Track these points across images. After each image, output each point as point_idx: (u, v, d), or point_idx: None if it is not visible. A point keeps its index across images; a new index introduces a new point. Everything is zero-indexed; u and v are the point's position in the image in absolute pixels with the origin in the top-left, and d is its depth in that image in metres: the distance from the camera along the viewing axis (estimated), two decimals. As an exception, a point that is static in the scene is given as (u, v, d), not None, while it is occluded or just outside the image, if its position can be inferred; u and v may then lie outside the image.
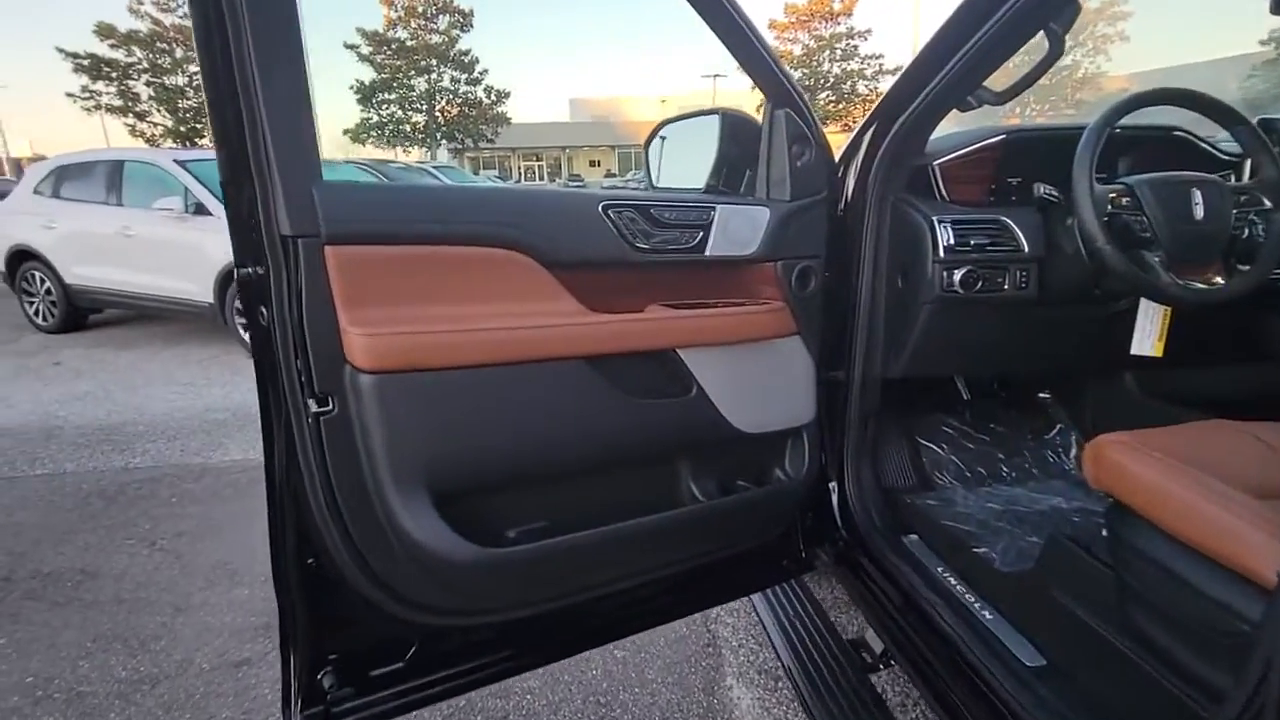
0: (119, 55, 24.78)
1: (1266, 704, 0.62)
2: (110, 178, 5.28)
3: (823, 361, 1.37)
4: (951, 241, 1.29)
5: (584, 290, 1.09)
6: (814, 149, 1.26)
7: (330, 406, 0.96)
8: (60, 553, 2.29)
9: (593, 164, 49.66)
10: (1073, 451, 1.71)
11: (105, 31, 24.50)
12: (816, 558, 1.52)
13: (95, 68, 24.41)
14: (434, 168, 15.62)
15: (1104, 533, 1.31)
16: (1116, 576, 1.01)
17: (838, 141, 1.41)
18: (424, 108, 30.96)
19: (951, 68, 1.17)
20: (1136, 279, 1.16)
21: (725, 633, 1.86)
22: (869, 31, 34.29)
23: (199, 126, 25.64)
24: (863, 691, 1.32)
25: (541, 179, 47.96)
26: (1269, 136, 1.25)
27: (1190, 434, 1.04)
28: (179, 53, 25.26)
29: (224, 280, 4.66)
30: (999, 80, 1.20)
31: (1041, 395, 1.83)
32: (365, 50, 29.78)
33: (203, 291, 4.80)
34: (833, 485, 1.48)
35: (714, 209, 1.18)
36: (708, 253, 1.18)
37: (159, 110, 25.70)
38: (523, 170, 48.73)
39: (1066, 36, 1.07)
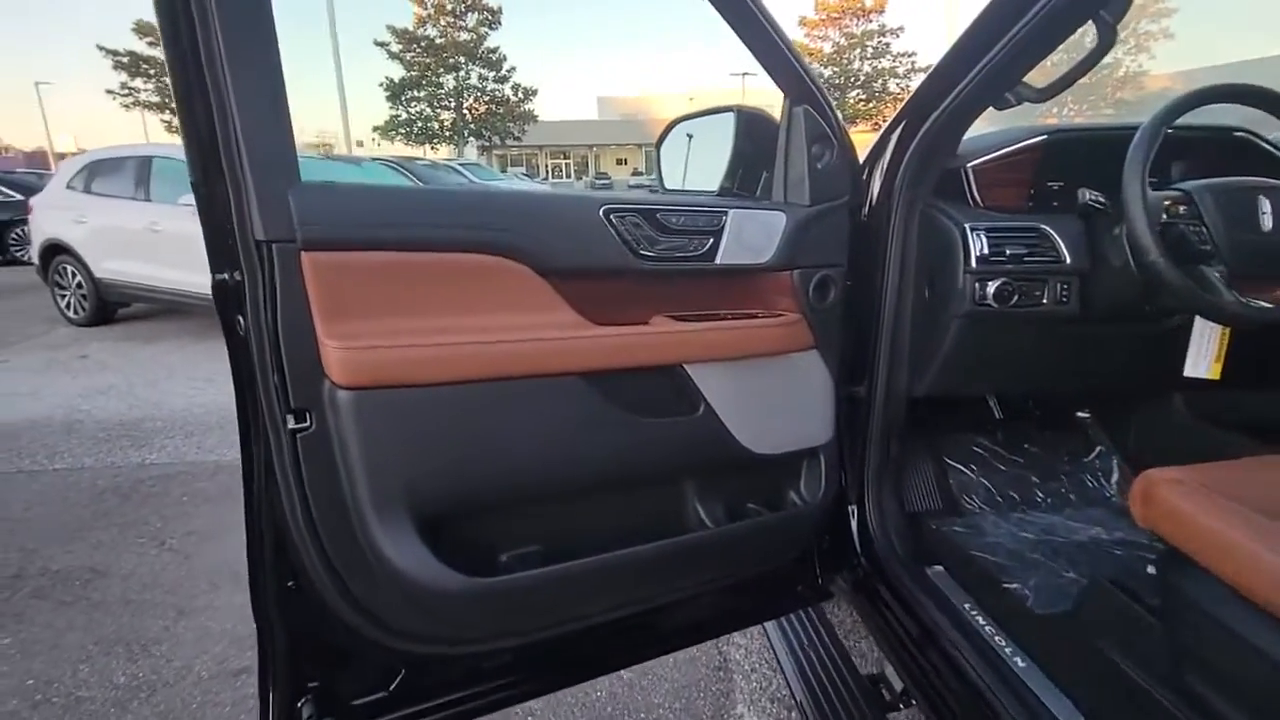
0: (157, 52, 25.37)
1: None
2: (139, 173, 5.36)
3: (843, 376, 1.29)
4: (985, 251, 1.19)
5: (583, 301, 1.02)
6: (836, 149, 1.17)
7: (308, 423, 0.90)
8: (70, 550, 2.29)
9: (620, 162, 49.66)
10: (1114, 477, 1.59)
11: (144, 29, 25.13)
12: (834, 584, 1.43)
13: (134, 64, 25.06)
14: (461, 165, 15.71)
15: (1150, 569, 1.20)
16: (1168, 630, 0.91)
17: (868, 141, 1.32)
18: (452, 105, 31.19)
19: (988, 62, 1.07)
20: (1194, 296, 1.05)
21: (737, 655, 1.78)
22: (901, 29, 33.69)
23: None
24: None
25: (569, 177, 48.13)
26: None
27: (1254, 471, 0.94)
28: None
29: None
30: (1038, 77, 1.10)
31: (1080, 415, 1.71)
32: (395, 48, 30.10)
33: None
34: (852, 508, 1.39)
35: (726, 213, 1.10)
36: (718, 261, 1.10)
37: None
38: (550, 168, 48.96)
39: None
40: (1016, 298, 1.20)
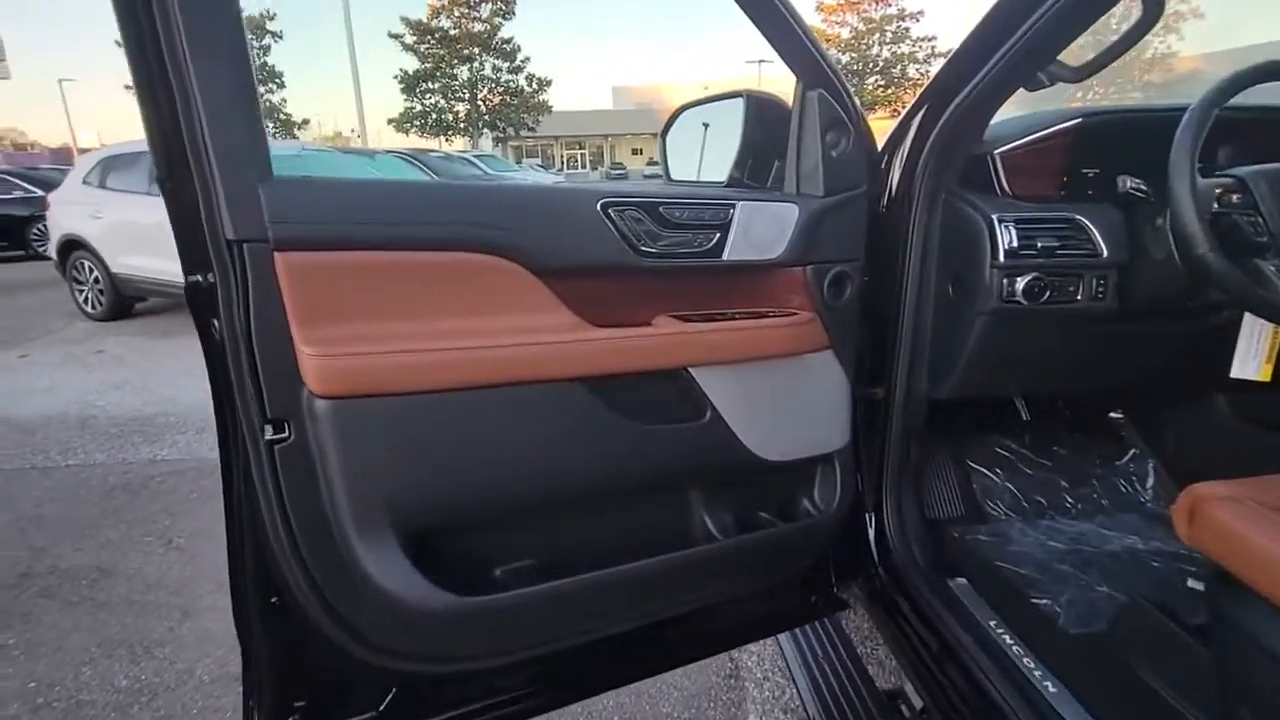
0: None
1: None
2: (153, 168, 5.36)
3: (859, 378, 1.21)
4: (1014, 244, 1.11)
5: (581, 301, 0.96)
6: (852, 136, 1.09)
7: (286, 433, 0.85)
8: (79, 549, 2.29)
9: (635, 152, 49.38)
10: (1149, 482, 1.50)
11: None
12: (850, 593, 1.37)
13: (153, 61, 25.25)
14: (476, 157, 15.69)
15: (1190, 583, 1.12)
16: (1216, 658, 0.83)
17: (887, 128, 1.24)
18: (466, 96, 31.15)
19: (1020, 38, 0.98)
20: (1247, 292, 0.96)
21: (749, 662, 1.72)
22: (921, 13, 33.20)
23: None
24: None
25: (584, 167, 47.98)
26: None
27: None
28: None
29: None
30: (1071, 56, 1.01)
31: (1112, 415, 1.61)
32: (409, 39, 30.09)
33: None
34: (869, 515, 1.32)
35: (734, 206, 1.03)
36: (725, 257, 1.03)
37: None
38: (565, 159, 48.83)
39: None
40: (1048, 294, 1.12)
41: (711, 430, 1.05)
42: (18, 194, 10.22)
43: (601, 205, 0.94)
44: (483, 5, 30.52)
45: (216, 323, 0.83)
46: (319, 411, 0.82)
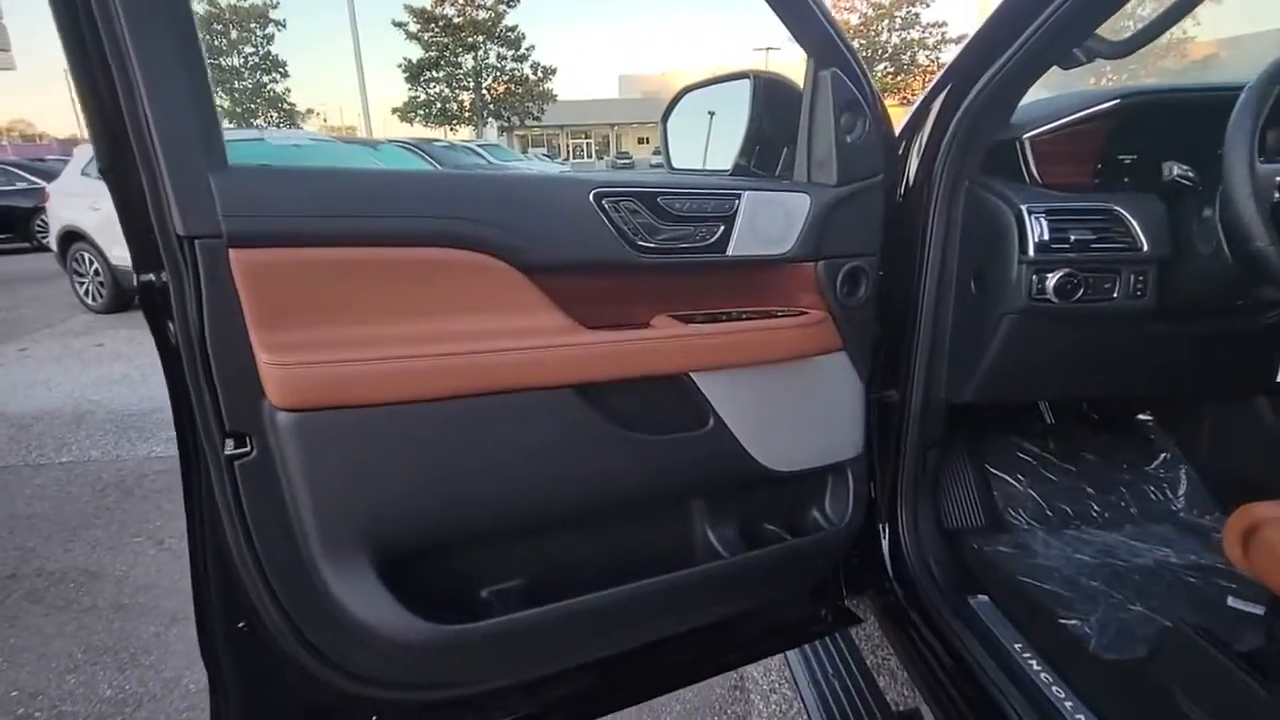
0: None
1: None
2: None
3: (874, 381, 1.13)
4: (1045, 237, 1.02)
5: (572, 301, 0.88)
6: (868, 120, 1.00)
7: (248, 448, 0.78)
8: (68, 550, 2.24)
9: (641, 141, 49.07)
10: (1181, 489, 1.41)
11: (165, 14, 25.17)
12: (861, 607, 1.29)
13: (156, 50, 25.18)
14: (480, 146, 15.55)
15: (1229, 600, 1.04)
16: (1273, 695, 0.75)
17: (898, 116, 1.15)
18: (471, 85, 30.94)
19: (1054, 11, 0.89)
20: None
21: (755, 673, 1.65)
22: (931, -2, 32.58)
23: (254, 107, 26.29)
24: None
25: (590, 157, 47.71)
26: None
27: None
28: (234, 34, 25.84)
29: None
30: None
31: (1141, 418, 1.52)
32: (413, 28, 29.86)
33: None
34: (882, 526, 1.24)
35: (739, 196, 0.94)
36: (730, 252, 0.94)
37: (216, 91, 26.42)
38: (571, 148, 48.58)
39: None
40: (1082, 291, 1.03)
41: (715, 439, 0.98)
42: (21, 185, 10.17)
43: (594, 195, 0.86)
44: (486, -8, 30.27)
45: (173, 326, 0.76)
46: (281, 425, 0.75)
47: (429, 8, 29.96)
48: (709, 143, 1.23)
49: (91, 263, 5.71)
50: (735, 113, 1.13)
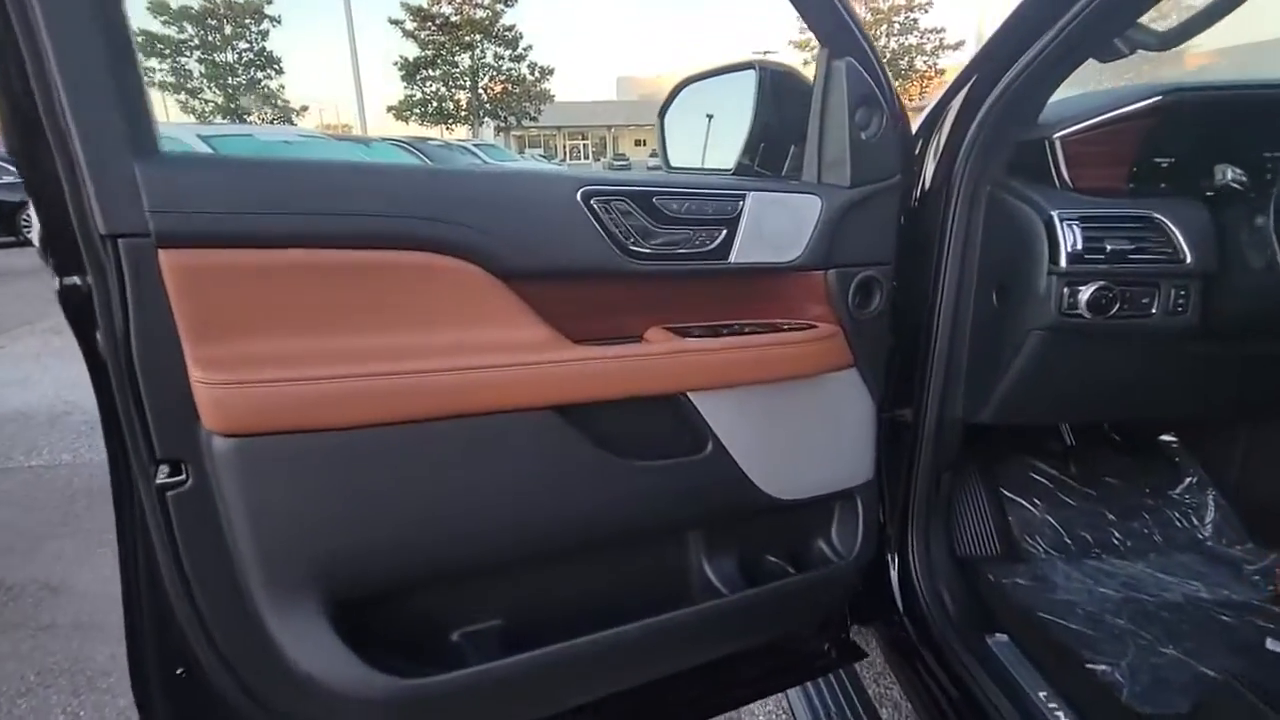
0: (171, 32, 25.28)
1: None
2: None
3: (885, 397, 1.04)
4: (1079, 246, 0.93)
5: (556, 312, 0.78)
6: (885, 115, 0.91)
7: (183, 476, 0.68)
8: (31, 561, 2.13)
9: (638, 143, 49.00)
10: (1209, 515, 1.32)
11: (158, 8, 25.00)
12: (865, 635, 1.20)
13: (148, 44, 24.96)
14: (476, 146, 15.44)
15: (1268, 643, 0.95)
16: None
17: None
18: (467, 85, 30.79)
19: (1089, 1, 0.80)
20: None
21: (753, 704, 1.56)
22: (930, 3, 32.59)
23: (247, 104, 26.10)
24: None
25: (587, 158, 47.61)
26: None
27: None
28: (228, 29, 25.65)
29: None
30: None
31: (1165, 439, 1.43)
32: (409, 26, 29.69)
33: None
34: (891, 555, 1.14)
35: (744, 197, 0.85)
36: (733, 259, 0.85)
37: (210, 87, 26.19)
38: (568, 149, 48.47)
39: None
40: (1117, 306, 0.94)
41: (714, 465, 0.88)
42: (7, 179, 10.01)
43: (582, 194, 0.77)
44: (484, -9, 30.12)
45: (100, 336, 0.66)
46: (218, 452, 0.65)
47: (425, 6, 29.81)
48: (709, 139, 1.13)
49: (74, 258, 5.58)
50: (738, 107, 1.04)
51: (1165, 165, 1.01)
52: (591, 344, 0.80)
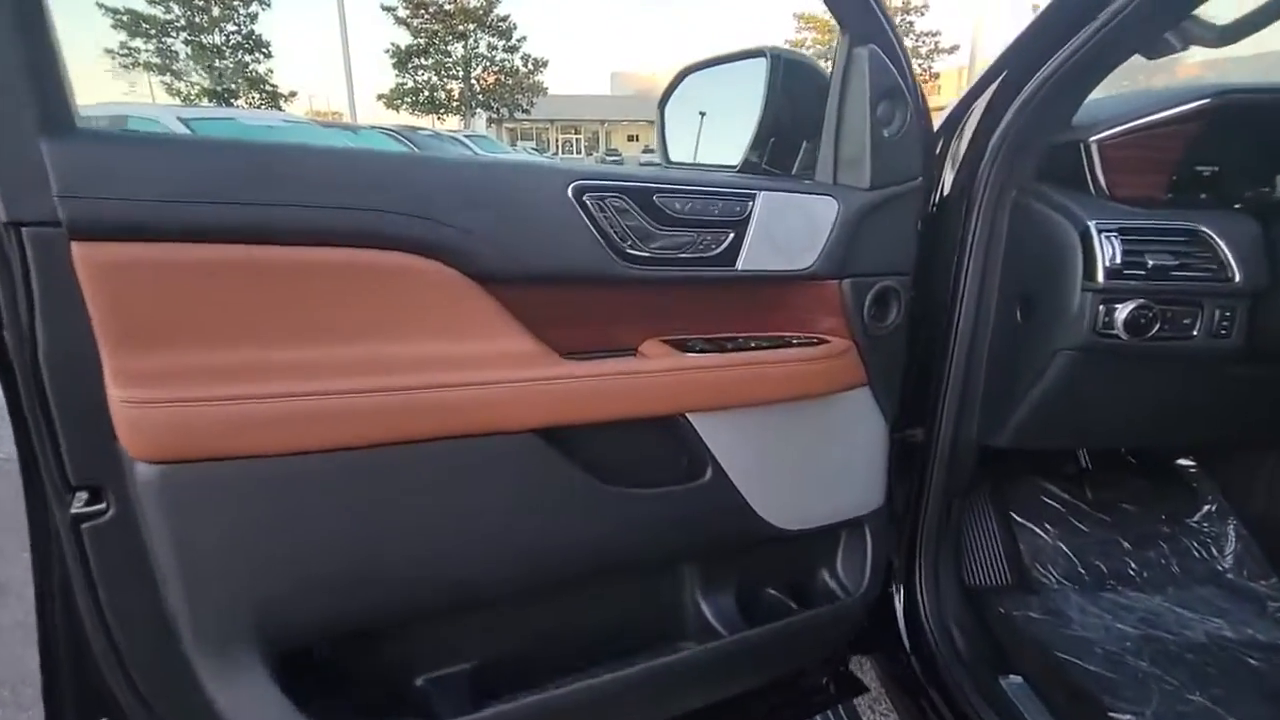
0: (157, 11, 24.77)
1: None
2: (112, 134, 5.04)
3: (897, 418, 0.96)
4: (1118, 261, 0.85)
5: (542, 321, 0.70)
6: (910, 111, 0.83)
7: (103, 506, 0.59)
8: (-20, 561, 2.00)
9: (631, 139, 48.83)
10: (1229, 546, 1.25)
11: (144, -12, 24.47)
12: (863, 665, 1.13)
13: (134, 24, 24.47)
14: (467, 137, 15.23)
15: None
16: None
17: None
18: (460, 74, 30.49)
19: None
20: None
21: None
22: (926, 6, 32.63)
23: (234, 87, 25.66)
24: None
25: (579, 153, 47.38)
26: None
27: None
28: (216, 10, 25.20)
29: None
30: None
31: (1182, 463, 1.36)
32: (402, 13, 29.33)
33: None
34: (897, 587, 1.07)
35: (754, 198, 0.77)
36: (740, 265, 0.77)
37: (196, 69, 25.71)
38: (561, 143, 48.21)
39: None
40: (1157, 327, 0.86)
41: (713, 493, 0.80)
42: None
43: (573, 189, 0.68)
44: (479, -20, 29.79)
45: (7, 336, 0.57)
46: (141, 480, 0.56)
47: (419, -8, 29.45)
48: (714, 133, 1.05)
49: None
50: (746, 99, 0.95)
51: (1207, 174, 0.94)
52: (581, 357, 0.72)
